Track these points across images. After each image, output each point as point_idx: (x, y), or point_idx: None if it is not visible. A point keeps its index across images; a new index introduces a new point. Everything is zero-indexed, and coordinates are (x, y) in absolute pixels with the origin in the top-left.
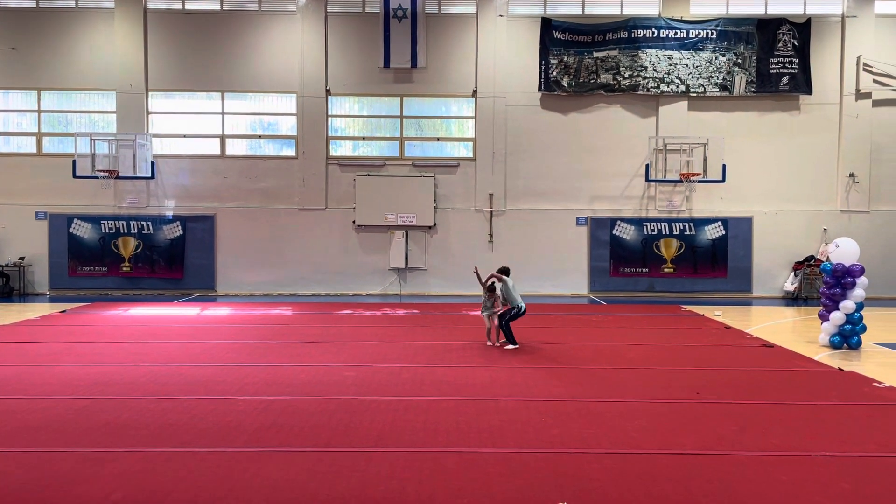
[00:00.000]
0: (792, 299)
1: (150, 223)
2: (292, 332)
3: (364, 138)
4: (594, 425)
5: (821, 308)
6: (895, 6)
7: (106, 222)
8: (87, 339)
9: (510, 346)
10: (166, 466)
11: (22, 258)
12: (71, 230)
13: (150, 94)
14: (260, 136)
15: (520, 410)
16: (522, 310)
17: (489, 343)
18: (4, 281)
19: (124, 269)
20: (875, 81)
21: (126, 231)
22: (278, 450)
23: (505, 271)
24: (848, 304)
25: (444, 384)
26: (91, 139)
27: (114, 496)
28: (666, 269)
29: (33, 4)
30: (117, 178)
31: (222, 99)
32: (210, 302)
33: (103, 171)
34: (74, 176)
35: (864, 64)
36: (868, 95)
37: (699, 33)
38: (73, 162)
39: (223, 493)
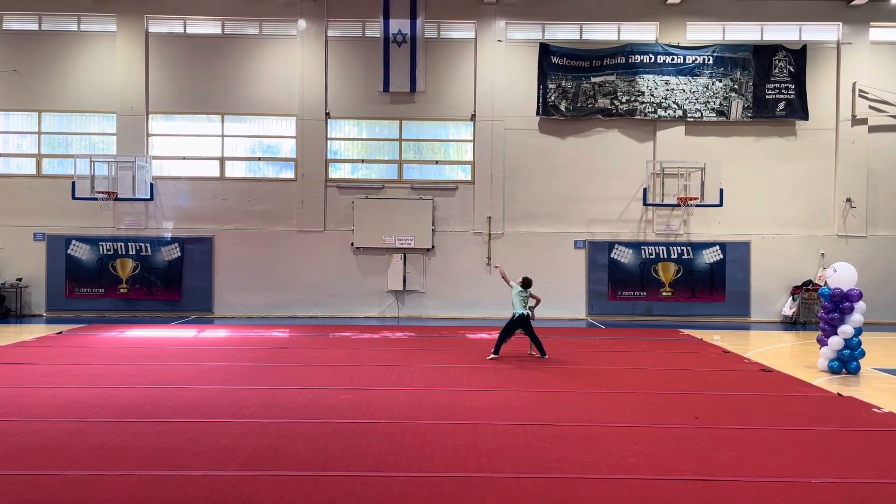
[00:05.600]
0: (790, 324)
1: (148, 245)
2: (289, 355)
3: (363, 161)
4: (592, 450)
5: (819, 333)
6: (890, 33)
7: (104, 244)
8: (84, 361)
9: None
10: (161, 490)
11: (19, 279)
12: (69, 251)
13: (150, 116)
14: (259, 159)
15: (517, 435)
16: (514, 316)
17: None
18: (1, 302)
19: (122, 290)
20: (871, 107)
21: (124, 252)
22: (274, 473)
23: (526, 283)
24: (846, 329)
25: (441, 408)
26: (91, 161)
27: None
28: (664, 293)
29: (35, 27)
30: (116, 199)
31: (222, 121)
32: (207, 324)
33: (102, 192)
34: (73, 197)
35: (860, 90)
36: (864, 121)
37: (696, 59)
38: (73, 183)
39: None
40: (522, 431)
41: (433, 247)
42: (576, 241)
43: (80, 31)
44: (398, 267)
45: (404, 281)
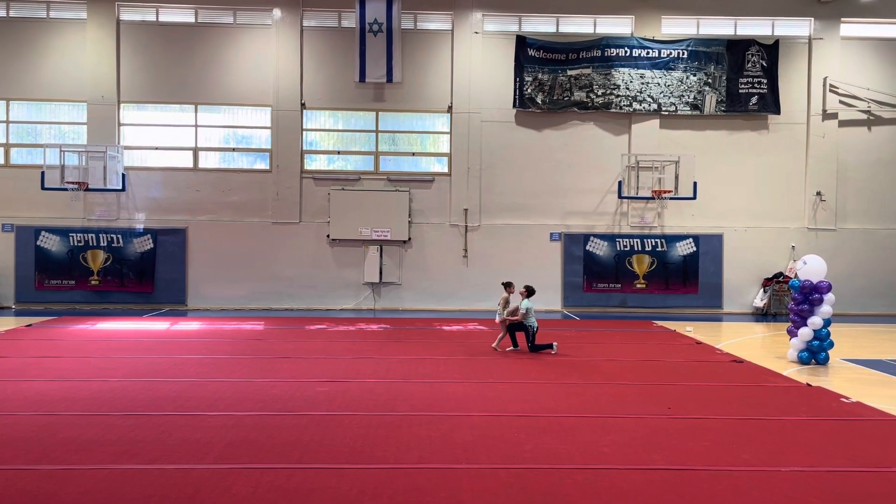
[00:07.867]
0: (761, 315)
1: (120, 236)
2: (264, 347)
3: (339, 152)
4: (566, 441)
5: (789, 324)
6: (860, 29)
7: (75, 235)
8: (54, 354)
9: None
10: (133, 484)
11: None
12: (38, 243)
13: (121, 105)
14: (233, 150)
15: (492, 426)
16: (535, 328)
17: (494, 346)
18: None
19: (93, 282)
20: (841, 102)
21: (95, 244)
22: (248, 466)
23: (529, 291)
24: (816, 321)
25: (416, 400)
26: (61, 150)
27: None
28: (638, 285)
29: (3, 14)
30: (87, 190)
31: (195, 111)
32: (181, 316)
33: (73, 182)
34: (43, 188)
35: (831, 85)
36: (834, 116)
37: (671, 53)
38: (42, 173)
39: None
40: (498, 423)
41: (409, 239)
42: (551, 234)
43: (49, 18)
44: (374, 259)
45: (380, 273)
